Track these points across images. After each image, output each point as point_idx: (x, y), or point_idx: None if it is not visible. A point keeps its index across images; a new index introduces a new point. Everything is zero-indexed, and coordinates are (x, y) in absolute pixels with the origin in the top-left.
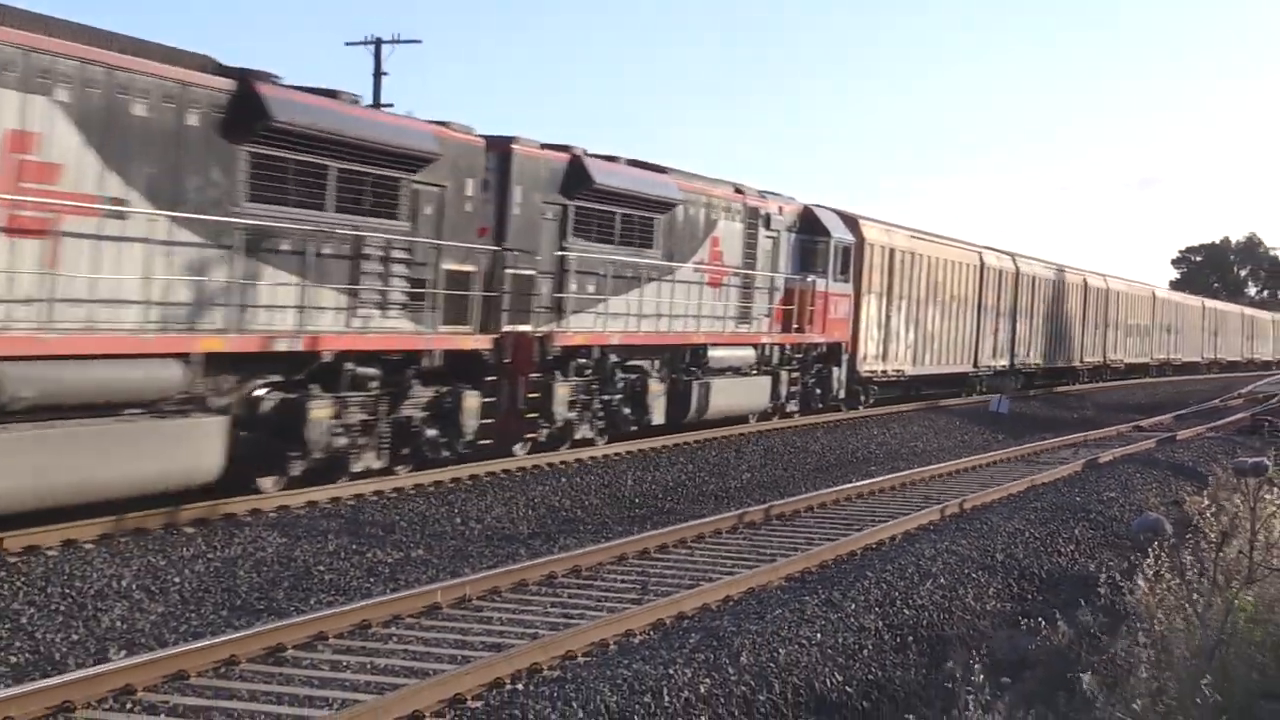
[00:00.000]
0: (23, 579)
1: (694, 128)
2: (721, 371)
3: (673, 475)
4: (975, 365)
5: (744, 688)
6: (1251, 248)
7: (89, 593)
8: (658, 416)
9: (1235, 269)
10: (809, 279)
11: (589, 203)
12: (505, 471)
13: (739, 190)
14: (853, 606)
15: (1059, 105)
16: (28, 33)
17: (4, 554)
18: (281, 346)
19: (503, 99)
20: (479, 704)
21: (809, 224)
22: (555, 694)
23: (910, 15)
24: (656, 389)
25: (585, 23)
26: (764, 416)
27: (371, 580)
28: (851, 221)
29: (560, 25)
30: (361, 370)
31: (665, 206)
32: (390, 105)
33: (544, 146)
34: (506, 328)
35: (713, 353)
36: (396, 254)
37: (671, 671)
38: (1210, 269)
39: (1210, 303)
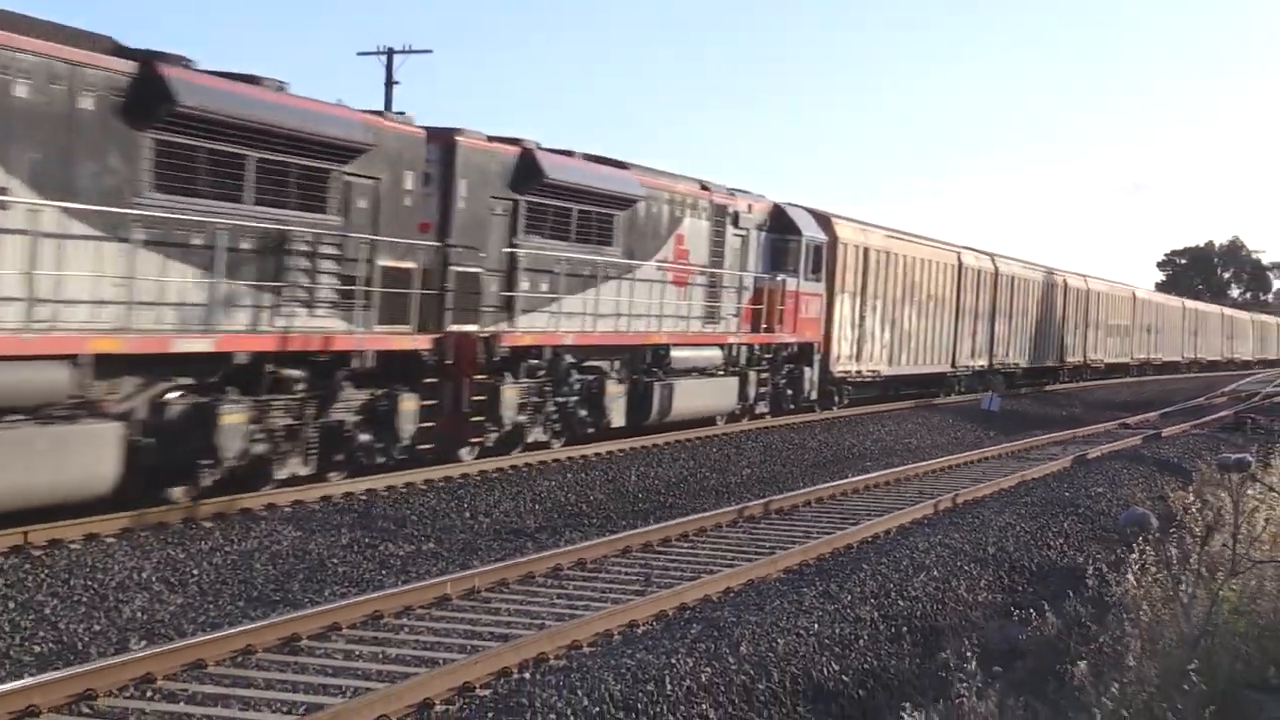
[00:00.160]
0: (46, 571)
1: (704, 129)
2: (686, 372)
3: (675, 471)
4: (953, 365)
5: (744, 677)
6: (1235, 251)
7: (110, 585)
8: (617, 419)
9: (1219, 271)
10: (779, 278)
11: (541, 198)
12: (513, 467)
13: (705, 187)
14: (849, 598)
15: (1056, 110)
16: None
17: (28, 548)
18: (185, 348)
19: (514, 106)
20: (488, 692)
21: (780, 222)
22: (561, 682)
23: (909, 27)
24: (615, 390)
25: (595, 30)
26: (732, 418)
27: (384, 573)
28: (824, 220)
29: (570, 33)
30: (285, 372)
31: (625, 203)
32: (402, 113)
33: (492, 139)
34: (451, 327)
35: (676, 353)
36: (325, 249)
37: (674, 661)
38: (1195, 272)
39: (1190, 303)
